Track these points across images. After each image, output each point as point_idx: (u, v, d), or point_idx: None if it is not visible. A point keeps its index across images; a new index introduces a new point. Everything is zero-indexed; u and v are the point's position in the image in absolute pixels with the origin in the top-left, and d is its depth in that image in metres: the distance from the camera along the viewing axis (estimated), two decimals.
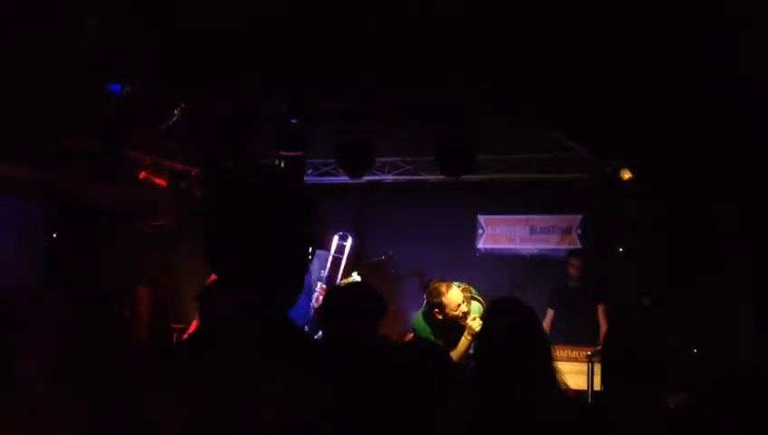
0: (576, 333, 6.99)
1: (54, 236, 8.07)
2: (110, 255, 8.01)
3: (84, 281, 7.49)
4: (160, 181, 8.23)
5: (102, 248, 8.01)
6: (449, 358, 2.92)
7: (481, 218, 9.47)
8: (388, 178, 8.75)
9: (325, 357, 1.58)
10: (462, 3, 4.52)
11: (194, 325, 6.25)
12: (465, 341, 5.72)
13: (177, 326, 6.99)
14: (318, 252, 6.74)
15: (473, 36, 4.93)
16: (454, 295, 5.67)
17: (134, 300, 7.69)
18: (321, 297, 6.57)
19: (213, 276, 1.57)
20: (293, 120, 6.91)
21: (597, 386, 5.88)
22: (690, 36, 4.65)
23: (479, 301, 5.96)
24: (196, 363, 1.46)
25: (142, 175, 8.02)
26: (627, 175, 7.33)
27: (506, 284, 8.16)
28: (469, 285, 6.03)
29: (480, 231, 9.46)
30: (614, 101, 5.70)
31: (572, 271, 7.94)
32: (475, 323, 5.67)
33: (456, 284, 5.95)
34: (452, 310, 5.66)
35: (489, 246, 9.40)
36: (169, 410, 1.41)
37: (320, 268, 6.53)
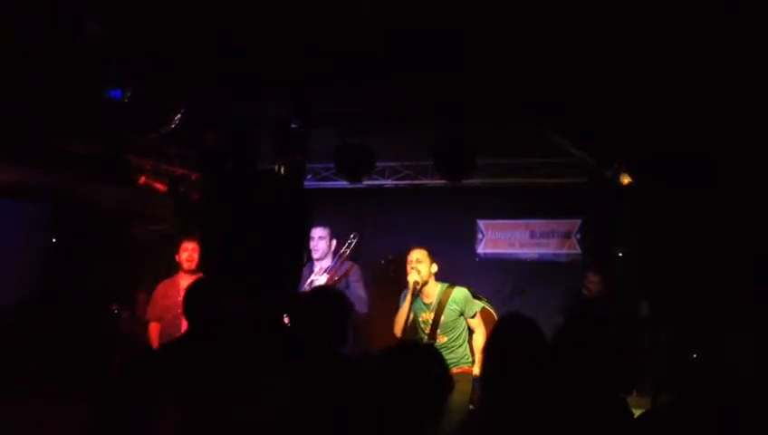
0: None
1: (54, 239, 8.07)
2: (110, 258, 8.01)
3: (84, 284, 7.48)
4: (160, 186, 8.24)
5: (102, 252, 8.01)
6: (442, 359, 2.93)
7: (481, 223, 9.47)
8: (389, 182, 8.75)
9: (322, 358, 1.57)
10: (463, 5, 4.53)
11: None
12: (406, 303, 5.97)
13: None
14: (351, 271, 6.69)
15: (473, 40, 4.94)
16: (411, 252, 6.06)
17: (133, 303, 7.69)
18: None
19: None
20: (293, 125, 6.90)
21: None
22: (688, 38, 4.66)
23: (482, 299, 6.11)
24: (196, 365, 1.46)
25: (142, 179, 8.03)
26: (626, 179, 7.33)
27: (506, 288, 8.14)
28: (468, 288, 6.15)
29: (480, 236, 9.46)
30: (613, 105, 5.70)
31: (592, 287, 7.86)
32: (410, 277, 5.93)
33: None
34: (407, 263, 6.01)
35: (489, 250, 9.40)
36: (169, 410, 1.41)
37: (358, 286, 6.50)
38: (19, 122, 6.04)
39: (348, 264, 6.62)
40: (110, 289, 7.61)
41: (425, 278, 5.95)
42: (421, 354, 2.88)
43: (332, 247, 6.69)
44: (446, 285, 6.05)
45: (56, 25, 4.56)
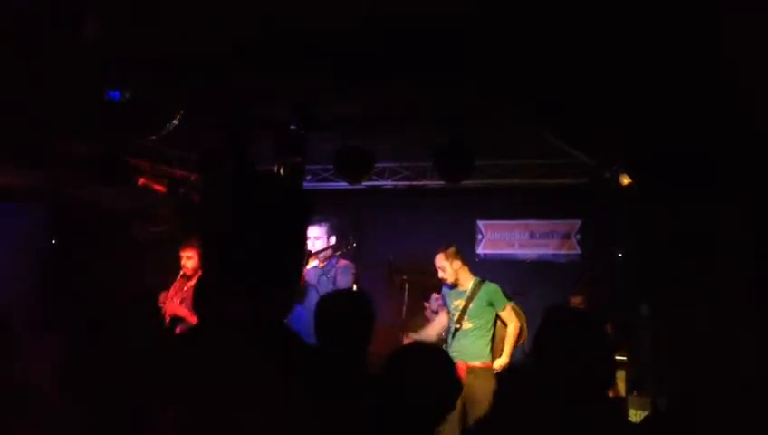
0: None
1: (53, 241, 8.07)
2: (110, 260, 8.01)
3: (83, 286, 7.48)
4: (159, 187, 8.25)
5: (102, 253, 8.01)
6: (450, 362, 2.91)
7: (480, 224, 9.48)
8: (388, 183, 8.75)
9: (325, 362, 1.57)
10: (462, 7, 4.53)
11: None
12: None
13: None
14: (342, 265, 6.70)
15: (473, 41, 4.94)
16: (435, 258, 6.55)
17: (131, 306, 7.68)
18: None
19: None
20: (292, 126, 6.91)
21: None
22: (687, 39, 4.66)
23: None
24: (196, 365, 1.46)
25: (141, 181, 8.03)
26: (626, 180, 7.33)
27: (506, 289, 8.14)
28: None
29: (479, 236, 9.47)
30: (613, 106, 5.70)
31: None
32: None
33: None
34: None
35: (488, 251, 9.41)
36: (169, 410, 1.41)
37: (346, 283, 6.53)
38: (18, 123, 6.04)
39: (342, 260, 6.70)
40: (110, 292, 7.61)
41: (451, 278, 6.48)
42: (428, 357, 2.86)
43: (330, 243, 6.70)
44: (480, 278, 6.55)
45: (56, 25, 4.56)
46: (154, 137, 6.78)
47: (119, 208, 8.21)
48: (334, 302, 3.47)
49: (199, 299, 4.21)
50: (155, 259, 7.76)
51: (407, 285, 8.07)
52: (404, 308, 7.97)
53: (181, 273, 6.68)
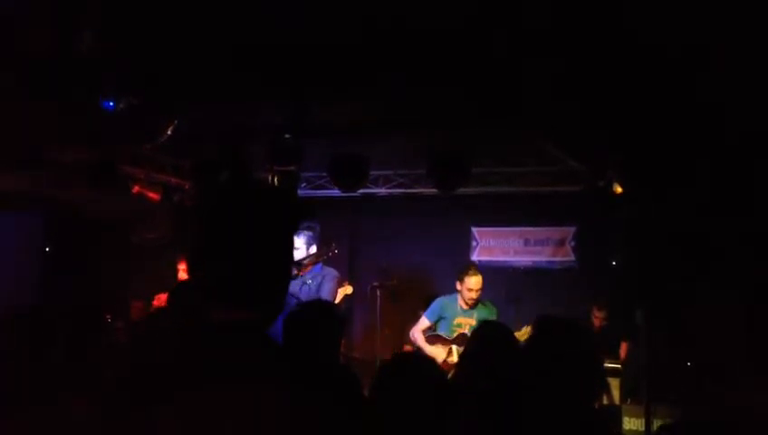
0: None
1: (48, 249, 8.06)
2: (105, 267, 8.00)
3: (79, 293, 7.47)
4: (154, 195, 8.24)
5: (97, 261, 8.00)
6: (443, 375, 2.92)
7: (475, 231, 9.49)
8: (382, 191, 8.75)
9: (322, 375, 1.57)
10: (460, 17, 4.54)
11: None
12: None
13: None
14: (327, 272, 6.59)
15: (468, 50, 4.96)
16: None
17: (128, 312, 7.68)
18: None
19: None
20: (287, 135, 6.91)
21: None
22: (681, 48, 4.69)
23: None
24: (192, 375, 1.46)
25: (136, 188, 8.02)
26: (620, 188, 7.35)
27: (500, 296, 8.15)
28: None
29: (474, 243, 9.48)
30: (608, 115, 5.73)
31: (597, 322, 7.82)
32: None
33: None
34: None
35: (483, 258, 9.41)
36: (169, 421, 1.41)
37: (330, 291, 6.44)
38: (14, 134, 6.04)
39: (326, 268, 6.62)
40: (105, 299, 7.60)
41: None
42: (415, 365, 2.86)
43: (310, 252, 6.54)
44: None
45: (55, 33, 4.57)
46: (149, 145, 6.79)
47: (116, 215, 8.20)
48: (304, 313, 3.49)
49: (177, 305, 4.15)
50: (151, 267, 7.76)
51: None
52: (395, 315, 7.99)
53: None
